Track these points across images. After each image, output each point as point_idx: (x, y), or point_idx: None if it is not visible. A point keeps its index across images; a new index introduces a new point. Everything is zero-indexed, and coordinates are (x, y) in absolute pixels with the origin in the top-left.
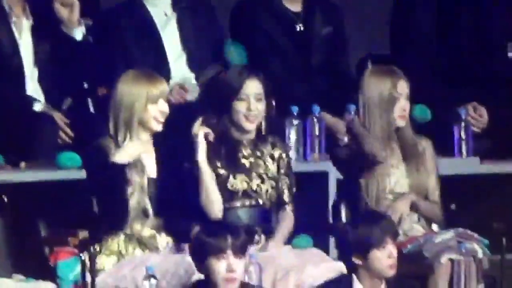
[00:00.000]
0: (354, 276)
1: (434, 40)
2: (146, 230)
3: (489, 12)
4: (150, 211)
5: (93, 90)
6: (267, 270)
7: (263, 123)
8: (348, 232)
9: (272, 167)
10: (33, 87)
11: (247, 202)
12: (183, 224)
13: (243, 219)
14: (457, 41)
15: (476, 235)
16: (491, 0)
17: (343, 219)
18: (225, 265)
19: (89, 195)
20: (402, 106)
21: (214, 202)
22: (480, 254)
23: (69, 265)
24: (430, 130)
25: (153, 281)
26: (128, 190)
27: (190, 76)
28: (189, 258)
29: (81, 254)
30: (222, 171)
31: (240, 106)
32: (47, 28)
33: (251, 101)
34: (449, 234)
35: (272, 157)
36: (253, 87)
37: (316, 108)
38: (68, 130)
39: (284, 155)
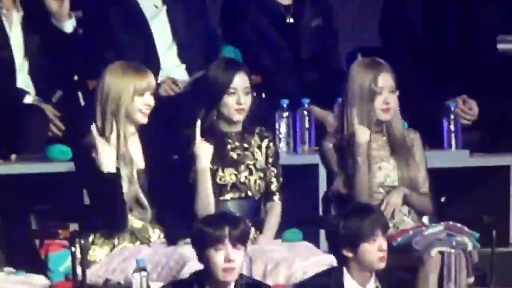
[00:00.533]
0: (344, 269)
1: (423, 33)
2: (137, 222)
3: (478, 5)
4: (146, 202)
5: (83, 83)
6: (257, 262)
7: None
8: (338, 225)
9: (260, 158)
10: (23, 80)
11: (236, 195)
12: (174, 216)
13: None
14: (447, 34)
15: (466, 228)
16: None
17: (333, 212)
18: (223, 256)
19: (79, 188)
20: (384, 100)
21: (208, 212)
22: (470, 247)
23: (59, 258)
24: (419, 123)
25: (143, 273)
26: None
27: (181, 67)
28: (180, 250)
29: (71, 247)
30: (211, 165)
31: (230, 100)
32: (37, 21)
33: (240, 95)
34: (439, 227)
35: (259, 147)
36: (241, 81)
37: (306, 101)
38: (59, 123)
39: (271, 144)
